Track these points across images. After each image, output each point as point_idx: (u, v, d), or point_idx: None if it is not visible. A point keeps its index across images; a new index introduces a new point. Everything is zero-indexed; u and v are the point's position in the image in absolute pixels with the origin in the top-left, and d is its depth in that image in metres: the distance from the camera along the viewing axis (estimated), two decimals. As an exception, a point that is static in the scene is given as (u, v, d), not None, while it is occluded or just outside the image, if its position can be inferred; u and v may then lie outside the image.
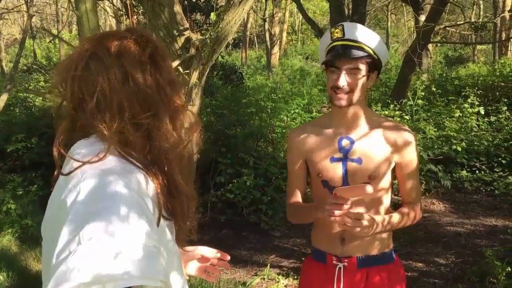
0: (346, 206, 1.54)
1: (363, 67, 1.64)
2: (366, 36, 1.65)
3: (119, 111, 0.92)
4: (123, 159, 0.92)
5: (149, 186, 0.92)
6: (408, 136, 1.72)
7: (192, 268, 1.38)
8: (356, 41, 1.64)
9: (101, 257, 0.76)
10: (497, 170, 6.06)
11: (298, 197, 1.86)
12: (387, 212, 1.79)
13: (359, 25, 1.71)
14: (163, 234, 0.94)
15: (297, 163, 1.83)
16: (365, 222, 1.54)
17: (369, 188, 1.44)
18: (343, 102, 1.65)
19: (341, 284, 1.75)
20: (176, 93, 1.01)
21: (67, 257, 0.76)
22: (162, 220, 0.93)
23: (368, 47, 1.64)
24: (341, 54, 1.64)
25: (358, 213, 1.58)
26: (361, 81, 1.65)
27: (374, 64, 1.68)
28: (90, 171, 0.86)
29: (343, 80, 1.63)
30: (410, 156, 1.73)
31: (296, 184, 1.86)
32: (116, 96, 0.92)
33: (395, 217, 1.73)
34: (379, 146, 1.70)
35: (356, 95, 1.66)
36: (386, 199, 1.78)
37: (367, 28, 1.71)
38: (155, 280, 0.81)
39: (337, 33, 1.68)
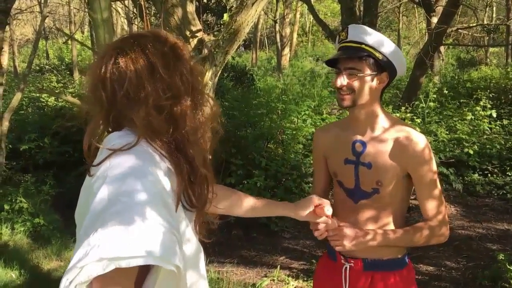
0: (326, 222, 1.61)
1: (364, 67, 1.61)
2: (369, 37, 1.62)
3: (145, 97, 1.02)
4: (148, 148, 1.00)
5: (171, 175, 1.01)
6: (421, 143, 1.64)
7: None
8: (358, 42, 1.62)
9: (121, 237, 0.83)
10: (509, 174, 6.01)
11: (320, 192, 1.91)
12: (400, 219, 1.76)
13: (364, 27, 1.68)
14: (180, 224, 1.03)
15: (319, 160, 1.89)
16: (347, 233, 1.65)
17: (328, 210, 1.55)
18: (345, 103, 1.66)
19: (347, 284, 1.75)
20: (196, 79, 1.10)
21: (90, 235, 0.84)
22: (181, 210, 1.02)
23: (371, 47, 1.61)
24: (339, 54, 1.65)
25: (337, 228, 1.65)
26: (364, 81, 1.62)
27: (380, 65, 1.63)
28: (116, 160, 0.96)
29: (342, 80, 1.63)
30: (422, 164, 1.65)
31: (319, 180, 1.93)
32: (143, 84, 1.02)
33: (399, 232, 1.68)
34: (389, 151, 1.67)
35: (361, 96, 1.63)
36: (397, 206, 1.73)
37: (373, 30, 1.67)
38: (169, 263, 0.88)
39: (342, 35, 1.69)
